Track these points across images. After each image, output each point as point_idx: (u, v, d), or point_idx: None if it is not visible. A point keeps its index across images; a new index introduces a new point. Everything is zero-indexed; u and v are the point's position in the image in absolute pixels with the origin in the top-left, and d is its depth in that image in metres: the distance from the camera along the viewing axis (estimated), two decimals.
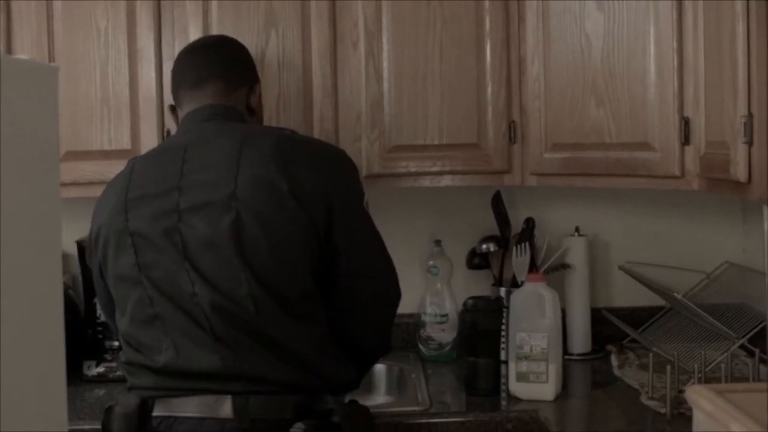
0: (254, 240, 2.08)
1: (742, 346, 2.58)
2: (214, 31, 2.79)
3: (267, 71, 2.78)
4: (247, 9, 2.80)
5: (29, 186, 1.21)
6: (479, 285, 3.18)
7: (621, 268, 3.09)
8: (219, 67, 2.41)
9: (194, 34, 2.79)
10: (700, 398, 1.40)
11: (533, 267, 3.01)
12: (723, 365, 2.46)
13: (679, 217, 3.24)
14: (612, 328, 3.06)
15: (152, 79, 2.81)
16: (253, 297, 2.07)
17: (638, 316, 3.10)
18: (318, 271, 2.16)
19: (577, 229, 3.13)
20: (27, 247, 1.19)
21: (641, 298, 3.11)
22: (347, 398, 2.28)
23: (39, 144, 1.23)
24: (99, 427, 2.22)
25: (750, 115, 1.98)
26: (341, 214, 2.15)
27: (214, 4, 2.80)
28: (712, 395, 1.37)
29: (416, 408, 2.60)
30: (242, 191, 2.10)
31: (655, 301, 3.05)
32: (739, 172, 2.03)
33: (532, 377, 2.60)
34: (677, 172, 2.46)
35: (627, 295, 3.19)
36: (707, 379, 2.46)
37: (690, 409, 1.59)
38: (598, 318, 3.10)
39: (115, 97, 2.81)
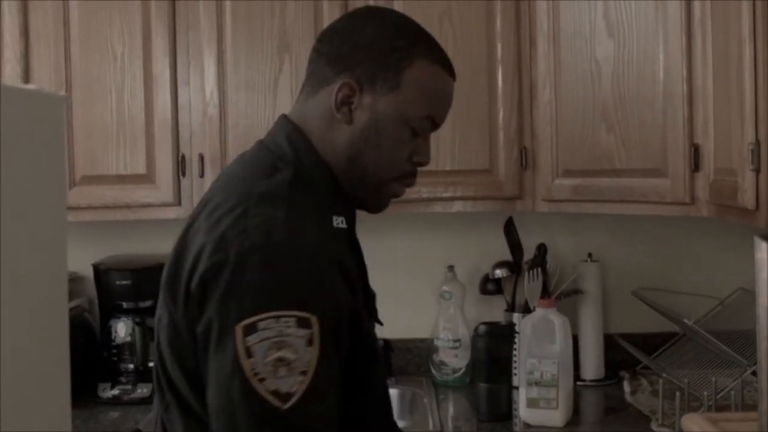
0: (162, 339, 1.59)
1: (754, 373, 2.57)
2: (228, 55, 2.84)
3: (280, 96, 2.81)
4: (261, 33, 2.83)
5: (36, 213, 1.23)
6: (492, 310, 3.19)
7: (634, 294, 3.08)
8: (312, 65, 1.72)
9: (209, 59, 2.83)
10: (693, 426, 1.40)
11: (545, 293, 3.00)
12: (733, 392, 2.44)
13: (693, 243, 3.23)
14: (625, 354, 3.04)
15: (167, 104, 2.85)
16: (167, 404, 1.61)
17: (651, 342, 3.09)
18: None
19: (589, 255, 3.13)
20: (34, 272, 1.21)
21: (655, 324, 3.09)
22: None
23: (46, 171, 1.25)
24: None
25: (757, 143, 1.98)
26: (207, 327, 1.46)
27: (228, 29, 2.83)
28: (705, 424, 1.37)
29: None
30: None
31: (669, 327, 3.04)
32: (747, 199, 2.03)
33: (543, 403, 2.60)
34: (687, 199, 2.46)
35: (640, 321, 3.17)
36: (719, 407, 2.44)
37: None
38: (612, 344, 3.09)
39: (131, 122, 2.85)
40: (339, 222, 1.61)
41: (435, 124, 1.69)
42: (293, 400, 1.38)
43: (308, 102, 1.67)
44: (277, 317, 1.38)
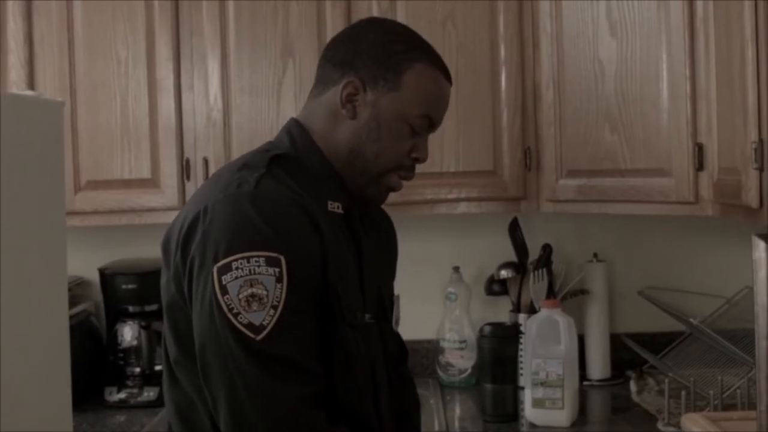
0: (163, 303, 1.77)
1: None
2: (232, 59, 2.84)
3: (283, 100, 2.82)
4: (264, 37, 2.83)
5: (36, 218, 1.24)
6: (498, 311, 3.19)
7: (641, 293, 3.08)
8: (319, 70, 1.88)
9: (212, 64, 2.84)
10: (693, 425, 1.40)
11: (551, 293, 3.00)
12: (739, 391, 2.44)
13: (698, 242, 3.22)
14: (632, 354, 3.04)
15: (171, 109, 2.86)
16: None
17: (658, 342, 3.08)
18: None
19: (595, 255, 3.13)
20: (33, 277, 1.21)
21: (661, 323, 3.09)
22: None
23: (46, 177, 1.26)
24: None
25: (760, 141, 1.97)
26: (189, 269, 1.65)
27: (231, 33, 2.84)
28: (705, 423, 1.37)
29: None
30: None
31: (676, 326, 3.03)
32: (751, 197, 2.03)
33: (548, 403, 2.60)
34: (691, 198, 2.46)
35: (647, 320, 3.17)
36: (725, 406, 2.44)
37: None
38: (618, 343, 3.09)
39: (135, 127, 2.86)
40: (335, 207, 1.76)
41: (432, 123, 1.83)
42: (265, 332, 1.54)
43: (315, 102, 1.83)
44: (248, 258, 1.55)
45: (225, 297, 1.55)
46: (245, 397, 1.55)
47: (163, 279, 1.71)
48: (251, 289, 1.55)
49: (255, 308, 1.55)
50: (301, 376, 1.59)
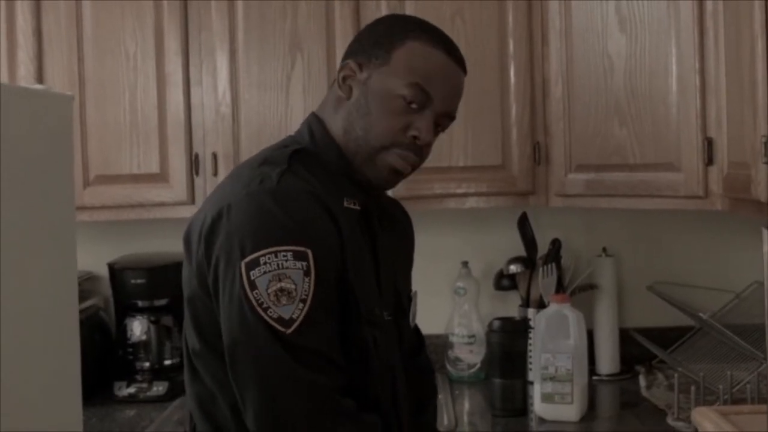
0: (184, 295, 1.78)
1: None
2: (241, 54, 2.84)
3: (292, 95, 2.82)
4: (273, 32, 2.83)
5: (45, 212, 1.24)
6: (507, 306, 3.19)
7: (650, 288, 3.08)
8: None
9: (221, 58, 2.84)
10: (703, 420, 1.40)
11: (560, 288, 3.00)
12: (749, 386, 2.43)
13: (707, 237, 3.22)
14: (641, 349, 3.04)
15: (180, 104, 2.86)
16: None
17: (667, 337, 3.08)
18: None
19: (604, 250, 3.12)
20: (42, 272, 1.22)
21: (670, 318, 3.09)
22: None
23: (55, 171, 1.26)
24: None
25: None
26: (214, 265, 1.65)
27: (240, 28, 2.84)
28: (715, 416, 1.37)
29: (442, 429, 2.59)
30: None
31: (685, 321, 3.03)
32: (760, 191, 2.02)
33: (557, 398, 2.60)
34: (701, 193, 2.45)
35: (656, 315, 3.16)
36: (734, 400, 2.43)
37: None
38: (627, 338, 3.09)
39: (144, 122, 2.86)
40: (351, 203, 1.75)
41: (429, 97, 1.75)
42: (295, 325, 1.56)
43: (327, 94, 1.86)
44: (276, 252, 1.56)
45: (254, 292, 1.56)
46: (279, 389, 1.56)
47: (185, 272, 1.72)
48: (280, 284, 1.56)
49: (284, 302, 1.56)
50: (330, 367, 1.61)
